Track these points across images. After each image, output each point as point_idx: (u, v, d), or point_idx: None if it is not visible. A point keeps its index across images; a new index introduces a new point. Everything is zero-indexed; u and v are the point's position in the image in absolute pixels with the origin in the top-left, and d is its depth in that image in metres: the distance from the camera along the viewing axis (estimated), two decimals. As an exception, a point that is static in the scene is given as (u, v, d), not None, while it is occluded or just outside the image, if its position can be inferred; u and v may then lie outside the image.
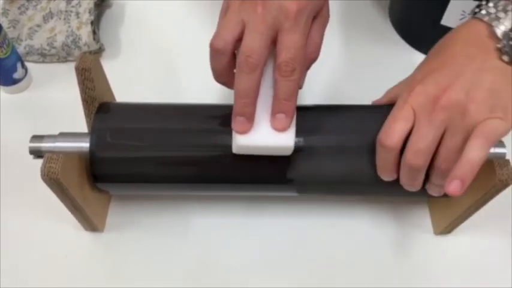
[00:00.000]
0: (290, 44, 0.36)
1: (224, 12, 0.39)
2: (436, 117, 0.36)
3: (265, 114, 0.39)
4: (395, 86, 0.44)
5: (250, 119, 0.38)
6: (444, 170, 0.38)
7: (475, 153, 0.35)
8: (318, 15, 0.39)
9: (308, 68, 0.42)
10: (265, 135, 0.39)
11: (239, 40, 0.37)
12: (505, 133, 0.36)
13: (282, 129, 0.38)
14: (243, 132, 0.38)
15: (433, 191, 0.41)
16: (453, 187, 0.36)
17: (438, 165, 0.38)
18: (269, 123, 0.39)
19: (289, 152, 0.40)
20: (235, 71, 0.38)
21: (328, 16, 0.41)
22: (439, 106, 0.36)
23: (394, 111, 0.39)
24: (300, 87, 0.40)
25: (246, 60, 0.36)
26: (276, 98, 0.38)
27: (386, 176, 0.41)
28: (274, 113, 0.38)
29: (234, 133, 0.39)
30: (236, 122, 0.38)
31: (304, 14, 0.37)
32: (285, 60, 0.36)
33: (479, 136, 0.36)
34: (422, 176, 0.39)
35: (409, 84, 0.40)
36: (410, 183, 0.39)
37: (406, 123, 0.37)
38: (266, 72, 0.38)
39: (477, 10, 0.39)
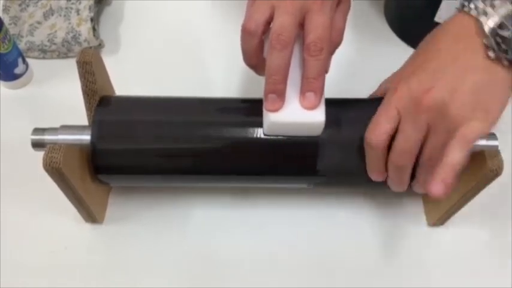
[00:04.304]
0: (318, 24, 0.38)
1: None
2: (420, 118, 0.37)
3: (295, 95, 0.40)
4: (387, 79, 0.45)
5: (281, 96, 0.40)
6: (429, 167, 0.39)
7: (455, 156, 0.37)
8: (341, 3, 0.41)
9: (332, 52, 0.43)
10: (296, 112, 0.40)
11: (268, 23, 0.39)
12: (484, 133, 0.37)
13: (311, 108, 0.40)
14: (275, 110, 0.40)
15: (417, 188, 0.42)
16: (436, 189, 0.37)
17: (423, 163, 0.39)
18: (299, 102, 0.40)
19: (319, 131, 0.41)
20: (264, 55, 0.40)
21: (349, 4, 0.43)
22: (422, 107, 0.37)
23: (380, 111, 0.39)
24: (326, 72, 0.41)
25: (278, 38, 0.38)
26: (304, 77, 0.39)
27: (376, 175, 0.42)
28: (303, 92, 0.40)
29: (265, 113, 0.41)
30: (268, 100, 0.40)
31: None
32: (314, 40, 0.38)
33: (458, 139, 0.37)
34: (408, 174, 0.40)
35: (394, 81, 0.40)
36: (398, 181, 0.41)
37: (391, 123, 0.38)
38: (293, 56, 0.39)
39: (465, 3, 0.39)
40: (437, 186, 0.37)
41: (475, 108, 0.37)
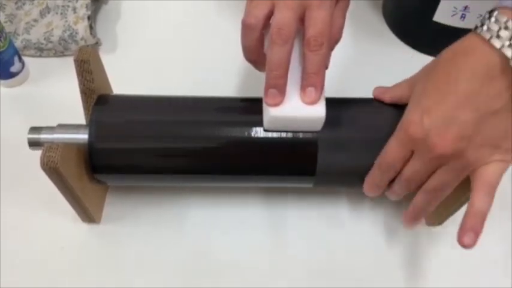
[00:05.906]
0: (318, 19, 0.38)
1: None
2: (433, 162, 0.37)
3: (296, 91, 0.40)
4: (397, 86, 0.43)
5: (281, 91, 0.40)
6: (432, 196, 0.39)
7: (483, 204, 0.37)
8: (340, 0, 0.42)
9: (332, 48, 0.43)
10: (297, 107, 0.40)
11: (268, 18, 0.40)
12: (505, 171, 0.37)
13: (312, 103, 0.40)
14: (275, 104, 0.40)
15: (393, 197, 0.43)
16: (468, 240, 0.36)
17: (426, 190, 0.39)
18: (299, 98, 0.40)
19: (319, 126, 0.41)
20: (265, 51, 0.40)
21: (348, 1, 0.43)
22: (436, 154, 0.36)
23: (393, 145, 0.39)
24: (326, 68, 0.41)
25: (278, 32, 0.38)
26: (305, 72, 0.39)
27: (373, 191, 0.43)
28: (304, 87, 0.40)
29: (265, 107, 0.41)
30: (268, 95, 0.40)
31: None
32: (314, 35, 0.38)
33: (483, 186, 0.36)
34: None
35: (408, 115, 0.38)
36: (397, 197, 0.42)
37: (402, 162, 0.39)
38: (294, 52, 0.39)
39: (485, 28, 0.35)
40: (469, 238, 0.36)
41: (494, 151, 0.36)
